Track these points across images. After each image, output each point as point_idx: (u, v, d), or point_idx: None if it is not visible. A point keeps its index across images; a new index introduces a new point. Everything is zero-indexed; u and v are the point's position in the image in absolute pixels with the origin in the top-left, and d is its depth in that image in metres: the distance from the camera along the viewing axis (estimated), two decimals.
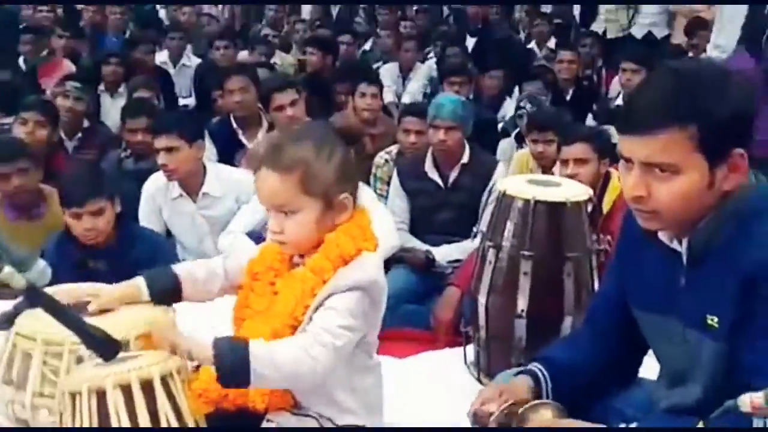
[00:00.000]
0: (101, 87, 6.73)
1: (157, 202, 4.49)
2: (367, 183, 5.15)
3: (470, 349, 2.86)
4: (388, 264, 4.51)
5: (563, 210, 2.71)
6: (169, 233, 4.52)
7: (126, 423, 1.91)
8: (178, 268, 2.36)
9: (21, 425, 2.24)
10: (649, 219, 1.92)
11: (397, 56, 8.16)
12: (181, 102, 7.56)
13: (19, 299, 1.88)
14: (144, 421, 1.92)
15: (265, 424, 2.16)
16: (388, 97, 7.39)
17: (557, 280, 2.69)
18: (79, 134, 5.53)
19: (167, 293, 2.32)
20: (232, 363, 1.98)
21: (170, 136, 4.30)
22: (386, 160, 5.18)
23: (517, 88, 6.90)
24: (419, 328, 3.98)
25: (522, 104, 5.65)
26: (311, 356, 2.02)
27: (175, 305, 2.36)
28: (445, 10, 10.96)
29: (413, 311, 4.34)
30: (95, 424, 1.91)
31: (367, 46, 9.30)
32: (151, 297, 2.30)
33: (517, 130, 5.77)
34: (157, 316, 2.26)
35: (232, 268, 2.36)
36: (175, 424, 1.96)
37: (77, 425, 1.93)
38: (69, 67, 7.14)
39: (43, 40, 7.51)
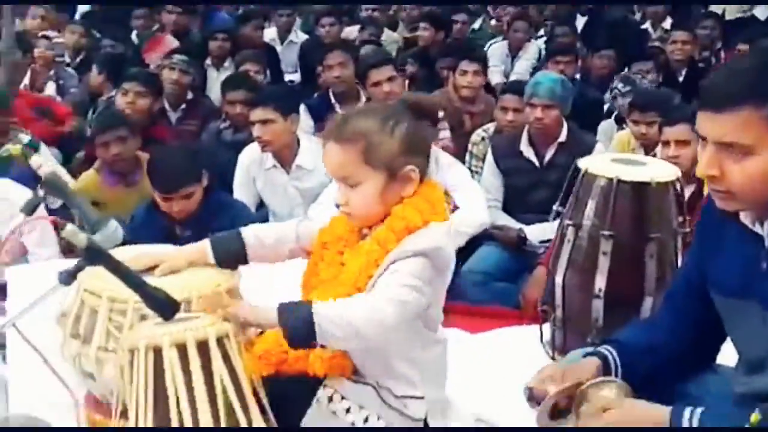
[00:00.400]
0: (208, 61, 6.85)
1: (252, 172, 4.56)
2: (463, 160, 5.10)
3: (547, 327, 2.78)
4: (480, 241, 4.47)
5: (647, 190, 2.60)
6: (262, 204, 4.59)
7: (180, 381, 1.93)
8: (245, 231, 2.36)
9: (87, 378, 2.29)
10: (724, 199, 1.86)
11: (507, 36, 8.04)
12: (287, 78, 7.64)
13: (81, 257, 1.91)
14: (198, 379, 1.93)
15: (322, 390, 2.15)
16: (496, 77, 7.30)
17: (638, 260, 2.59)
18: (183, 106, 5.65)
19: (232, 255, 2.33)
20: (296, 321, 1.98)
21: (266, 108, 4.36)
22: (483, 138, 5.12)
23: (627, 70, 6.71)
24: (508, 306, 3.93)
25: (616, 85, 5.48)
26: (379, 310, 2.00)
27: (242, 270, 2.37)
28: None
29: (503, 289, 4.29)
30: (151, 381, 1.94)
31: (476, 25, 9.19)
32: (215, 259, 2.32)
33: (616, 111, 5.62)
34: (221, 279, 2.28)
35: (305, 232, 2.36)
36: (229, 384, 1.96)
37: (135, 380, 1.96)
38: (172, 43, 7.28)
39: (153, 15, 7.69)
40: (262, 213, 4.53)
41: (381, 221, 2.16)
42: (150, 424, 1.93)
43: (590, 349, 2.20)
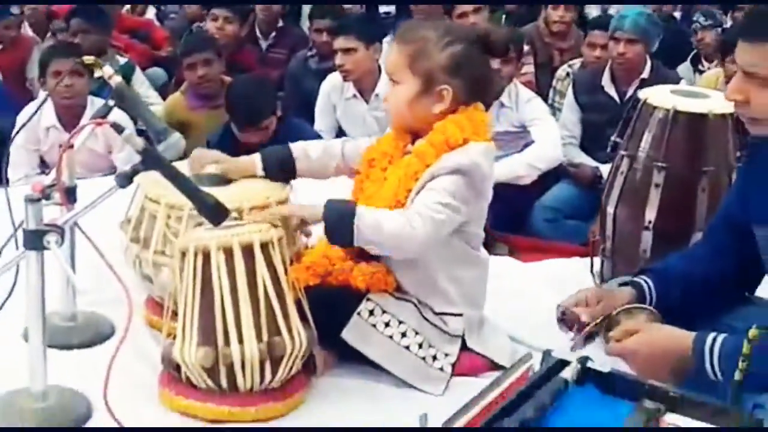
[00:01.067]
0: None
1: (332, 100, 4.65)
2: (544, 95, 5.08)
3: (597, 259, 2.81)
4: (557, 178, 4.48)
5: (704, 122, 2.58)
6: (340, 131, 4.68)
7: (226, 283, 2.05)
8: (294, 145, 2.47)
9: (146, 281, 2.44)
10: (750, 125, 1.92)
11: None
12: (383, 9, 7.62)
13: (137, 160, 2.03)
14: (242, 281, 2.06)
15: (364, 303, 2.24)
16: (594, 11, 7.16)
17: (690, 193, 2.58)
18: (273, 33, 5.75)
19: (280, 168, 2.44)
20: (338, 219, 2.10)
21: (348, 37, 4.43)
22: (567, 74, 5.08)
23: None
24: (577, 244, 3.95)
25: (696, 18, 5.31)
26: (412, 226, 2.09)
27: (294, 183, 2.47)
28: None
29: (574, 227, 4.30)
30: (199, 282, 2.07)
31: None
32: (264, 171, 2.42)
33: (694, 51, 5.46)
34: (272, 191, 2.38)
35: (350, 151, 2.45)
36: (270, 288, 2.08)
37: (185, 282, 2.09)
38: None
39: None
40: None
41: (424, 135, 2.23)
42: (196, 323, 2.07)
43: (627, 278, 2.23)
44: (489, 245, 4.08)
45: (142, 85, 5.23)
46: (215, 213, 2.09)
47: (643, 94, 2.70)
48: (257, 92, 4.02)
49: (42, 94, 4.38)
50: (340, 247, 2.21)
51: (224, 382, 2.07)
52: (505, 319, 2.47)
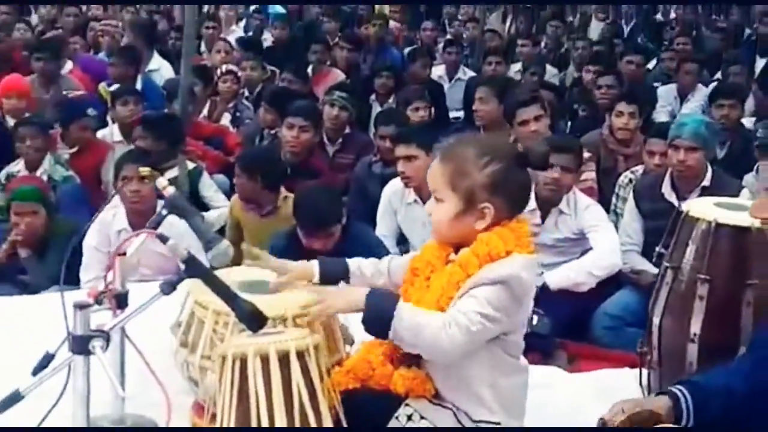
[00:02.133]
0: (373, 97, 7.12)
1: (393, 205, 4.74)
2: (607, 202, 5.10)
3: (645, 370, 2.78)
4: (618, 285, 4.46)
5: (747, 235, 2.57)
6: (402, 235, 4.76)
7: (261, 389, 2.11)
8: (350, 261, 2.56)
9: (192, 384, 2.51)
10: None
11: (677, 77, 7.90)
12: (452, 115, 7.81)
13: (182, 269, 2.13)
14: (277, 389, 2.11)
15: (402, 408, 2.27)
16: (662, 116, 7.19)
17: (735, 306, 2.56)
18: (340, 140, 5.91)
19: (335, 278, 2.51)
20: (377, 313, 2.17)
21: (409, 145, 4.55)
22: (630, 180, 5.08)
23: None
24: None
25: (756, 129, 5.28)
26: (447, 333, 2.13)
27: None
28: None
29: (635, 334, 4.24)
30: (236, 386, 2.13)
31: (651, 65, 9.06)
32: (320, 278, 2.49)
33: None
34: (313, 300, 2.43)
35: (396, 268, 2.53)
36: (305, 396, 2.13)
37: (224, 386, 2.15)
38: (339, 76, 7.61)
39: (328, 51, 8.07)
40: (402, 249, 4.69)
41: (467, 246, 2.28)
42: (233, 425, 2.12)
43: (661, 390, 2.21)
44: (549, 351, 4.15)
45: (209, 189, 5.42)
46: (253, 319, 2.17)
47: (685, 206, 2.72)
48: (325, 200, 4.18)
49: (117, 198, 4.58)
50: (375, 337, 2.26)
51: None
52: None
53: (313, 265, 2.54)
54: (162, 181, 2.51)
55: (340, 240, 4.01)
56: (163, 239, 2.11)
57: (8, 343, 2.97)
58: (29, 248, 4.63)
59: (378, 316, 2.17)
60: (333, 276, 2.53)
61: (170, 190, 2.51)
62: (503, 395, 2.31)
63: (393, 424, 2.26)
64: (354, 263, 2.56)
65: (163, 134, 5.26)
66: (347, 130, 5.99)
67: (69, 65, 7.59)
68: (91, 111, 5.90)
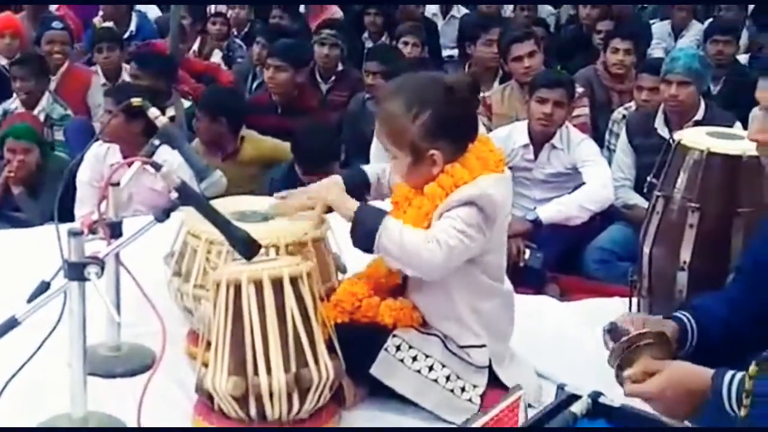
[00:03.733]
0: (366, 34, 7.07)
1: None
2: (602, 137, 5.11)
3: (636, 299, 2.82)
4: (611, 219, 4.49)
5: (738, 163, 2.58)
6: None
7: (256, 315, 2.13)
8: (367, 168, 2.60)
9: (186, 313, 2.53)
10: None
11: (671, 14, 7.85)
12: (446, 53, 7.76)
13: (175, 196, 2.13)
14: (271, 314, 2.13)
15: (390, 339, 2.30)
16: (657, 53, 7.15)
17: (724, 235, 2.58)
18: (333, 77, 5.89)
19: (359, 187, 2.51)
20: (365, 222, 2.21)
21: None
22: (623, 116, 5.09)
23: None
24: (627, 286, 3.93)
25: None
26: (428, 248, 2.16)
27: (331, 221, 2.55)
28: None
29: (626, 268, 4.27)
30: (230, 313, 2.15)
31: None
32: (346, 189, 2.45)
33: None
34: (309, 228, 2.45)
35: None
36: (299, 321, 2.15)
37: (217, 313, 2.17)
38: (336, 12, 7.53)
39: None
40: None
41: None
42: (227, 353, 2.14)
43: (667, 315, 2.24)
44: (541, 285, 4.19)
45: None
46: (247, 247, 2.18)
47: (677, 135, 2.72)
48: (322, 139, 4.19)
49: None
50: (361, 251, 2.28)
51: (253, 412, 2.14)
52: (536, 355, 2.50)
53: (337, 178, 2.52)
54: (154, 111, 2.51)
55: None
56: (156, 167, 2.11)
57: (3, 275, 2.99)
58: (22, 185, 4.64)
59: (365, 225, 2.20)
60: (355, 182, 2.52)
61: (162, 120, 2.50)
62: (486, 319, 2.34)
63: (383, 354, 2.29)
64: (372, 173, 2.57)
65: (158, 71, 5.23)
66: (340, 68, 5.97)
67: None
68: (56, 24, 5.87)
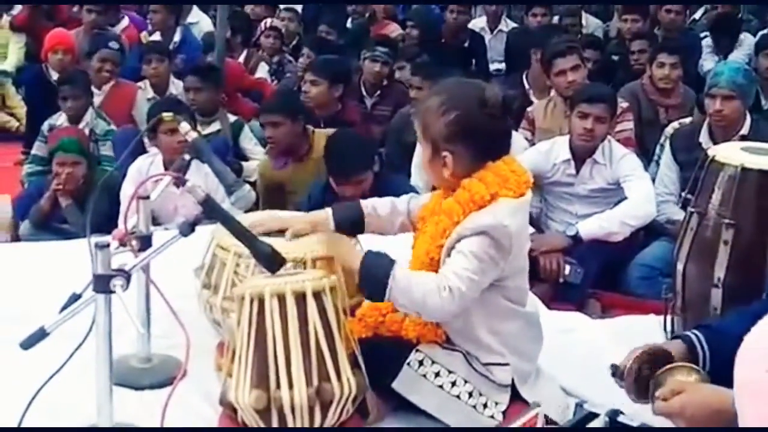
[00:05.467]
0: None
1: None
2: (652, 152, 5.05)
3: (670, 317, 2.77)
4: (655, 235, 4.43)
5: None
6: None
7: (278, 329, 2.14)
8: (364, 202, 2.56)
9: (215, 325, 2.55)
10: None
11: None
12: (494, 67, 7.74)
13: (200, 210, 2.16)
14: (294, 329, 2.14)
15: (413, 354, 2.29)
16: (708, 65, 7.05)
17: (759, 251, 2.53)
18: (378, 92, 5.92)
19: (350, 223, 2.52)
20: (373, 275, 2.20)
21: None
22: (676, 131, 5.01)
23: None
24: None
25: None
26: (441, 297, 2.15)
27: (361, 239, 2.55)
28: None
29: (670, 285, 4.22)
30: (254, 327, 2.16)
31: (697, 15, 8.86)
32: (335, 225, 2.50)
33: None
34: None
35: (415, 207, 2.52)
36: (321, 335, 2.15)
37: (242, 326, 2.19)
38: (396, 30, 7.57)
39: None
40: None
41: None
42: (250, 366, 2.15)
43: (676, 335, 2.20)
44: (581, 301, 4.14)
45: (249, 141, 5.49)
46: (270, 261, 2.19)
47: (711, 150, 2.68)
48: (354, 146, 4.17)
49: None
50: (372, 302, 2.29)
51: (275, 425, 2.15)
52: (565, 373, 2.47)
53: (327, 212, 2.54)
54: (185, 126, 2.54)
55: (372, 188, 4.02)
56: (182, 181, 2.14)
57: (42, 286, 3.04)
58: (70, 198, 4.74)
59: (373, 278, 2.19)
60: (347, 220, 2.52)
61: (192, 135, 2.54)
62: (506, 340, 2.33)
63: (405, 369, 2.29)
64: (367, 205, 2.55)
65: (212, 84, 5.33)
66: (385, 83, 5.99)
67: (125, 22, 7.67)
68: (112, 44, 5.98)
